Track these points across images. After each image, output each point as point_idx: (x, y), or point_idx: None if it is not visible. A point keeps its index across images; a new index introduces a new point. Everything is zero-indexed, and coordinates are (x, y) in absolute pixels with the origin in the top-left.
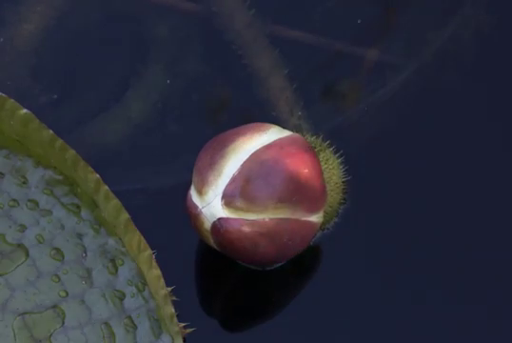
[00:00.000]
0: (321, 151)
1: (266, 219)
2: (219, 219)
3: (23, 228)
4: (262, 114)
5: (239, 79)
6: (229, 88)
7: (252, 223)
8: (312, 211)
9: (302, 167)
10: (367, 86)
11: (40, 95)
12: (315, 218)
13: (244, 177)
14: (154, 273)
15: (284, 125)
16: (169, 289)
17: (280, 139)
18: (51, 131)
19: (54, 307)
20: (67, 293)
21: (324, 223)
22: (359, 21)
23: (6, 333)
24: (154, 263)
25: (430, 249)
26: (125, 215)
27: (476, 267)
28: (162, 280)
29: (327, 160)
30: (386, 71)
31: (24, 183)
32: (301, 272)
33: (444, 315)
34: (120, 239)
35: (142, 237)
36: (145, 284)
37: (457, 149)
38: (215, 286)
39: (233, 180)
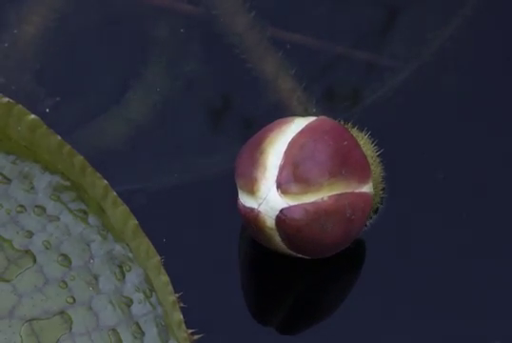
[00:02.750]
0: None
1: (325, 198)
2: (281, 210)
3: (30, 234)
4: (275, 115)
5: (245, 82)
6: (234, 89)
7: (313, 204)
8: (363, 181)
9: (340, 140)
10: (367, 86)
11: (40, 97)
12: (367, 189)
13: (290, 163)
14: (162, 280)
15: None
16: (177, 295)
17: (309, 123)
18: (59, 137)
19: (62, 313)
20: (74, 300)
21: (374, 197)
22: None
23: (13, 340)
24: (162, 269)
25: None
26: (133, 221)
27: None
28: (170, 286)
29: (357, 136)
30: (386, 71)
31: (31, 189)
32: (314, 273)
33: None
34: (127, 245)
35: (150, 243)
36: (152, 290)
37: (457, 149)
38: (223, 292)
39: (282, 169)
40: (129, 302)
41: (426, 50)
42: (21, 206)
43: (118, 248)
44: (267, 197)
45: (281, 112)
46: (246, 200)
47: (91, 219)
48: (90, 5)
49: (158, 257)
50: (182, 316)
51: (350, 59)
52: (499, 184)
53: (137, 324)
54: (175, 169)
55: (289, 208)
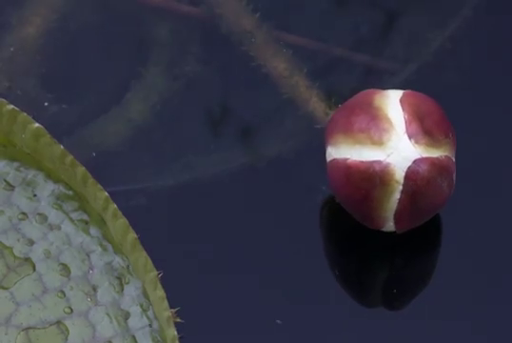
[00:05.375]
0: None
1: (443, 156)
2: (415, 161)
3: (31, 242)
4: (286, 113)
5: (247, 81)
6: (234, 89)
7: (438, 160)
8: (455, 149)
9: (440, 107)
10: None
11: (41, 97)
12: (454, 158)
13: (415, 118)
14: (158, 295)
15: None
16: (174, 310)
17: (405, 92)
18: (62, 147)
19: (58, 323)
20: (71, 310)
21: None
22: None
23: None
24: (159, 284)
25: None
26: (132, 235)
27: None
28: (165, 302)
29: None
30: (386, 72)
31: (34, 196)
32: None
33: None
34: (127, 258)
35: (148, 258)
36: (149, 304)
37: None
38: (221, 305)
39: (409, 122)
40: (127, 315)
41: (426, 50)
42: (23, 213)
43: (118, 260)
44: (399, 147)
45: (293, 109)
46: (365, 154)
47: (92, 230)
48: (90, 5)
49: (155, 272)
50: (176, 332)
51: (350, 60)
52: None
53: (133, 337)
54: (175, 169)
55: (422, 159)
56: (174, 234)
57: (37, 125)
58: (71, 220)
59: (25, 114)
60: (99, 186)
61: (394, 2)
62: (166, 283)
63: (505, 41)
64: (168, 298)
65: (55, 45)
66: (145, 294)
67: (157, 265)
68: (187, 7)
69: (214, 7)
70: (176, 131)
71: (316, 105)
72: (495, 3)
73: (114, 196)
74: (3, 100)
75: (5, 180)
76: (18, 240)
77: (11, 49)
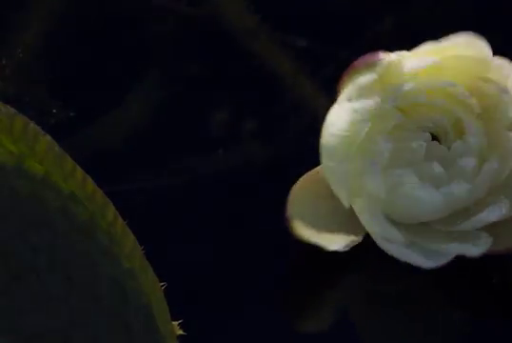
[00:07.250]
0: None
1: None
2: None
3: (37, 250)
4: (295, 111)
5: (248, 81)
6: (234, 88)
7: None
8: None
9: None
10: None
11: (41, 98)
12: None
13: None
14: (161, 307)
15: None
16: (176, 323)
17: None
18: (71, 160)
19: (62, 332)
20: (75, 320)
21: None
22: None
23: None
24: (163, 297)
25: None
26: (137, 246)
27: None
28: (168, 314)
29: None
30: None
31: (42, 205)
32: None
33: None
34: (132, 269)
35: (152, 270)
36: (153, 316)
37: None
38: (224, 318)
39: None
40: (131, 326)
41: None
42: (31, 221)
43: (123, 271)
44: None
45: (297, 108)
46: None
47: (99, 241)
48: (90, 5)
49: (159, 284)
50: None
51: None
52: None
53: None
54: (175, 169)
55: None
56: (174, 235)
57: (47, 137)
58: (79, 230)
59: (34, 125)
60: (107, 199)
61: (394, 2)
62: (169, 295)
63: (506, 41)
64: (172, 310)
65: (54, 45)
66: (148, 306)
67: (159, 274)
68: (187, 7)
69: (215, 7)
70: (176, 132)
71: (320, 103)
72: (496, 2)
73: (114, 196)
74: (14, 110)
75: (14, 188)
76: (24, 248)
77: (20, 55)
